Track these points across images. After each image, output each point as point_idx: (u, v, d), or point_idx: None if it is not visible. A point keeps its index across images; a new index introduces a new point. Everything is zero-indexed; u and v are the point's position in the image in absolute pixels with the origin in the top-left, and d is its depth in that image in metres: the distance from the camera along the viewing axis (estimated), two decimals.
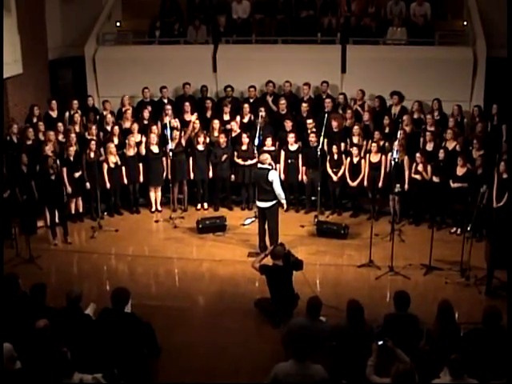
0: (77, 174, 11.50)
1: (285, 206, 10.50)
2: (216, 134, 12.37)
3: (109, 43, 14.58)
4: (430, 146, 11.62)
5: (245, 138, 12.12)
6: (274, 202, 10.09)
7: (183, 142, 12.19)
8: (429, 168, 11.20)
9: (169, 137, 11.72)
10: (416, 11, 13.95)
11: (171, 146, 11.81)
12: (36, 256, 10.16)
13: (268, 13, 14.61)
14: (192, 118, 12.64)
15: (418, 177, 11.26)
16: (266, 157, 10.33)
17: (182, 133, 12.28)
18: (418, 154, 11.22)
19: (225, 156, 12.09)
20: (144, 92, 13.30)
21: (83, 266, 10.36)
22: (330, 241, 10.92)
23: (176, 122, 12.48)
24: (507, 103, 11.75)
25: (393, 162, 11.11)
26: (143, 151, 12.01)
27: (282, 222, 10.42)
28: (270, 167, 10.32)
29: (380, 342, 5.92)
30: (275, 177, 10.11)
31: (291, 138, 12.01)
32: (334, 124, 12.06)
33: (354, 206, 12.16)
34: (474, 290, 9.12)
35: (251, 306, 8.55)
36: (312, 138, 11.79)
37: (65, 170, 11.34)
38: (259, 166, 10.35)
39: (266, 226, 10.28)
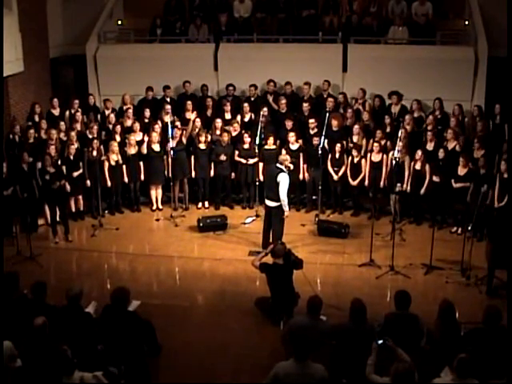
0: (75, 174, 11.50)
1: (286, 213, 10.09)
2: (218, 132, 12.38)
3: (110, 41, 14.60)
4: (430, 146, 11.62)
5: (246, 138, 12.12)
6: (279, 202, 10.05)
7: (184, 140, 12.19)
8: (427, 167, 11.20)
9: (170, 135, 11.73)
10: (417, 10, 13.97)
11: (172, 144, 11.82)
12: (37, 254, 10.18)
13: (269, 12, 14.62)
14: (191, 116, 12.63)
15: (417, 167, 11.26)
16: (286, 158, 10.21)
17: (184, 131, 12.28)
18: (418, 151, 11.22)
19: (222, 156, 12.08)
20: (147, 93, 13.30)
21: (84, 264, 10.38)
22: (331, 240, 10.92)
23: (177, 122, 12.49)
24: (509, 103, 11.74)
25: (394, 162, 11.11)
26: (145, 150, 12.01)
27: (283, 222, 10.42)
28: (284, 169, 10.02)
29: (380, 341, 5.92)
30: (283, 180, 9.90)
31: (291, 137, 12.00)
32: (334, 123, 12.06)
33: (355, 205, 12.16)
34: (475, 290, 9.13)
35: (252, 304, 8.56)
36: (315, 140, 11.75)
37: (64, 168, 11.34)
38: (277, 164, 10.12)
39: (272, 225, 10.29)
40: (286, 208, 10.05)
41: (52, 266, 10.24)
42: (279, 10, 14.57)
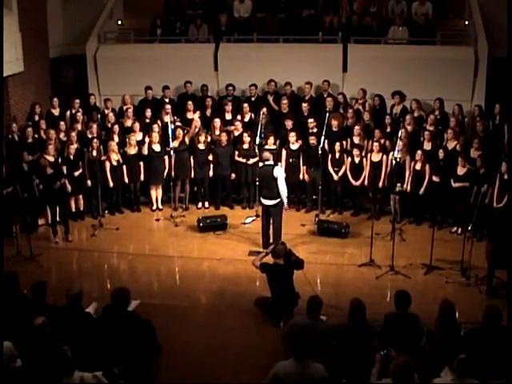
0: (76, 173, 11.51)
1: (285, 205, 10.43)
2: (217, 132, 12.39)
3: (110, 41, 14.60)
4: (427, 146, 11.62)
5: (246, 137, 12.13)
6: (279, 199, 10.15)
7: (187, 140, 12.19)
8: (427, 167, 11.21)
9: (171, 135, 11.74)
10: (417, 10, 13.97)
11: (172, 144, 11.82)
12: (37, 254, 10.18)
13: (269, 12, 14.62)
14: (195, 116, 12.65)
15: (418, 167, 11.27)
16: (268, 154, 10.44)
17: (185, 131, 12.29)
18: (418, 151, 11.23)
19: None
20: (147, 93, 13.30)
21: (84, 264, 10.37)
22: (331, 240, 10.92)
23: (178, 122, 12.50)
24: (509, 103, 11.74)
25: (394, 162, 11.11)
26: (145, 151, 12.00)
27: (283, 221, 10.43)
28: (273, 163, 10.39)
29: (383, 352, 5.94)
30: (280, 173, 10.21)
31: (292, 136, 12.01)
32: (334, 123, 12.06)
33: (355, 205, 12.16)
34: (475, 290, 9.13)
35: (252, 304, 8.56)
36: (312, 139, 11.78)
37: (64, 168, 11.34)
38: (266, 163, 10.36)
39: (271, 224, 10.32)
40: (285, 200, 10.29)
41: (52, 266, 10.23)
42: (279, 10, 14.57)
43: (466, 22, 14.01)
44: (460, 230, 10.88)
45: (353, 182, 11.82)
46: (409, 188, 11.39)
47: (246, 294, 8.99)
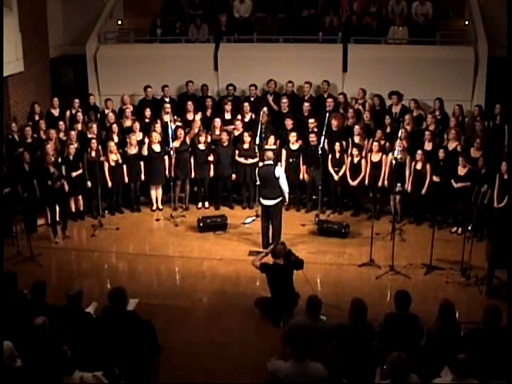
0: (74, 174, 11.47)
1: (287, 201, 10.64)
2: (217, 132, 12.39)
3: (110, 41, 14.60)
4: (428, 146, 11.61)
5: (246, 137, 12.13)
6: (279, 199, 10.20)
7: (188, 140, 12.19)
8: (428, 167, 11.21)
9: (171, 135, 11.73)
10: (417, 10, 13.97)
11: (172, 144, 11.80)
12: (37, 254, 10.17)
13: (269, 11, 14.63)
14: (196, 117, 12.64)
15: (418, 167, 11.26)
16: (270, 153, 10.53)
17: (186, 130, 12.28)
18: (419, 151, 11.23)
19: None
20: (147, 91, 13.30)
21: (84, 264, 10.37)
22: (331, 240, 10.92)
23: (178, 122, 12.49)
24: (509, 103, 11.74)
25: (393, 162, 11.11)
26: (145, 151, 11.99)
27: (283, 221, 10.44)
28: (273, 163, 10.44)
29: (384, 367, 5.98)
30: (282, 172, 10.35)
31: (292, 136, 12.01)
32: (334, 123, 12.06)
33: (355, 205, 12.16)
34: (475, 290, 9.12)
35: (252, 304, 8.56)
36: (312, 137, 11.79)
37: (64, 168, 11.32)
38: (265, 162, 10.39)
39: (270, 224, 10.33)
40: (287, 196, 10.49)
41: (52, 266, 10.24)
42: (279, 10, 14.57)
43: (466, 22, 14.02)
44: (460, 230, 10.88)
45: (350, 181, 11.81)
46: (409, 188, 11.39)
47: (245, 294, 8.99)
